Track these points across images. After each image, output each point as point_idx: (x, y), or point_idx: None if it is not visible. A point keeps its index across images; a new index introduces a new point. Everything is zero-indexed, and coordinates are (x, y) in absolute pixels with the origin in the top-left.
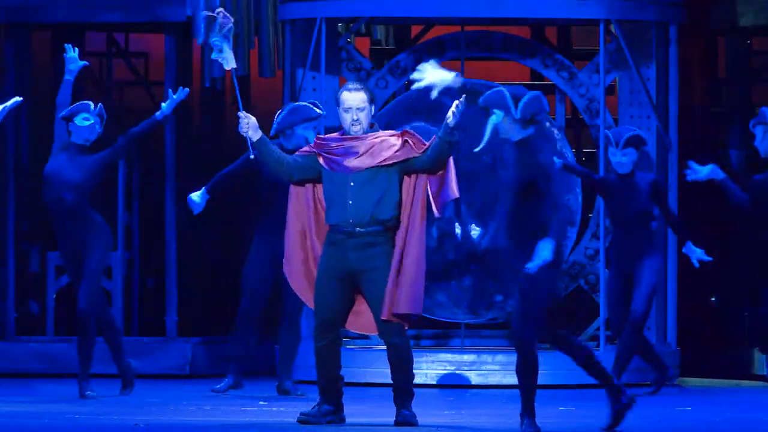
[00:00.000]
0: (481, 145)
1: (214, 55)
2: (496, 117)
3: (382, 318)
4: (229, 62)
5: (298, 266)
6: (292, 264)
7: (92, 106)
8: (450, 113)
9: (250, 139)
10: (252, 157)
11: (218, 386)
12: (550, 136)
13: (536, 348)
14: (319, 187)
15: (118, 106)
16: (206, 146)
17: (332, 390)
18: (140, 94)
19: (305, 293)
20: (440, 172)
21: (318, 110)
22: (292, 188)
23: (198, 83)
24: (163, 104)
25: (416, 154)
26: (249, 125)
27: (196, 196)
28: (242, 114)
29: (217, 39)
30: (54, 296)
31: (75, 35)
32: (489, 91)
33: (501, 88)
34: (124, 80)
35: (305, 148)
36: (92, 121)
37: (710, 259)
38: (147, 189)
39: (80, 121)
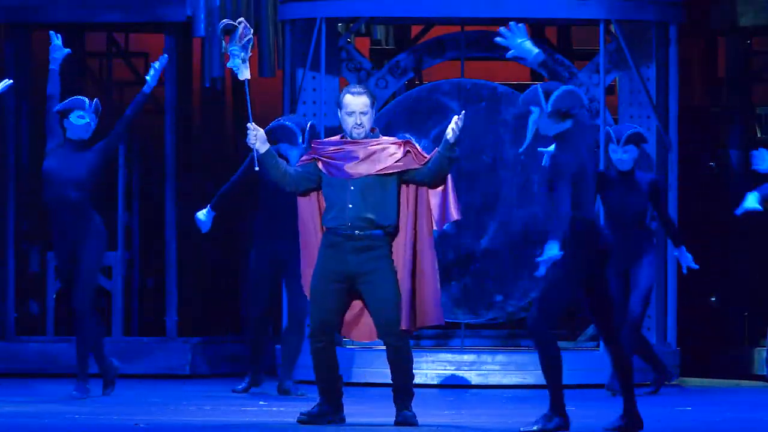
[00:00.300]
0: (524, 146)
1: (230, 64)
2: (533, 114)
3: (402, 329)
4: (244, 73)
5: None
6: (308, 272)
7: (87, 102)
8: (450, 129)
9: (258, 152)
10: (257, 169)
11: (239, 387)
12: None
13: (554, 344)
14: (321, 197)
15: (118, 106)
16: (206, 146)
17: (332, 390)
18: None
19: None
20: (440, 187)
21: (300, 140)
22: (300, 200)
23: (198, 83)
24: (147, 77)
25: (417, 166)
26: (257, 137)
27: (202, 214)
28: (251, 126)
29: (236, 48)
30: (54, 296)
31: (75, 35)
32: (526, 90)
33: (536, 84)
34: (124, 80)
35: (305, 157)
36: (87, 120)
37: (697, 267)
38: (147, 189)
39: (75, 119)
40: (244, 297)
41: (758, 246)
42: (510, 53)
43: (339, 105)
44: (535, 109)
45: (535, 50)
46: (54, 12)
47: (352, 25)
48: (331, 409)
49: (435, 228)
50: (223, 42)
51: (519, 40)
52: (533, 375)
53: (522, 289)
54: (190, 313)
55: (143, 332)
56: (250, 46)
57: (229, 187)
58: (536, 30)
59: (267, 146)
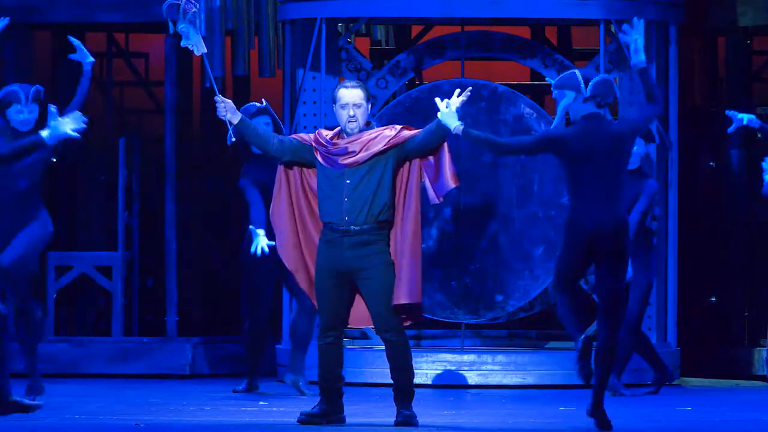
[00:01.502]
0: (554, 125)
1: (183, 43)
2: (566, 99)
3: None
4: (199, 48)
5: (290, 247)
6: (284, 244)
7: (22, 95)
8: (456, 101)
9: (231, 123)
10: (233, 140)
11: (239, 387)
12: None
13: (565, 302)
14: (308, 173)
15: (118, 106)
16: (206, 146)
17: (333, 390)
18: (140, 94)
19: (299, 273)
20: (435, 158)
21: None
22: (281, 171)
23: (198, 83)
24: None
25: (410, 136)
26: (227, 109)
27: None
28: (218, 98)
29: (184, 26)
30: (54, 296)
31: (75, 35)
32: (562, 74)
33: (574, 70)
34: (124, 80)
35: (304, 137)
36: (25, 115)
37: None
38: (147, 189)
39: (14, 114)
40: (243, 300)
41: (758, 246)
42: (625, 38)
43: (333, 100)
44: (570, 93)
45: (643, 56)
46: (54, 12)
47: (352, 25)
48: (331, 409)
49: (435, 199)
50: (171, 25)
51: (636, 36)
52: (533, 375)
53: (522, 289)
54: (190, 313)
55: (143, 332)
56: (196, 20)
57: (257, 205)
58: (536, 30)
59: (239, 116)
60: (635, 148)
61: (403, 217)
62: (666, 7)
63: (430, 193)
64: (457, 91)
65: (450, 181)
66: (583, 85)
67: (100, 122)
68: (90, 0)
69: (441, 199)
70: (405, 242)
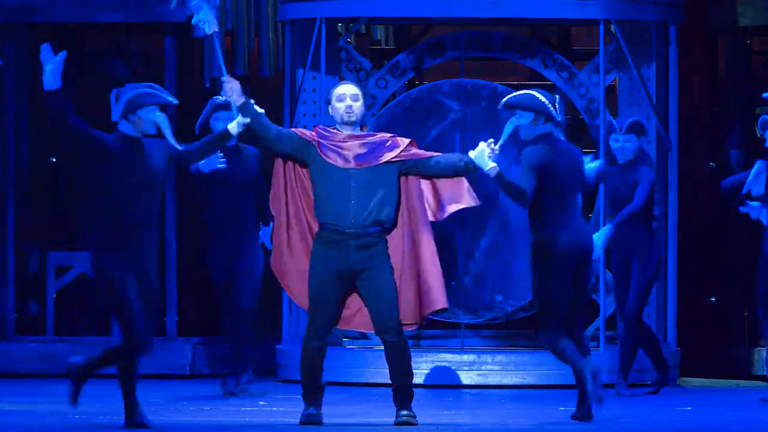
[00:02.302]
0: (499, 143)
1: (194, 20)
2: (522, 119)
3: (408, 322)
4: (211, 25)
5: (286, 251)
6: (282, 251)
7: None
8: (490, 149)
9: (235, 104)
10: (238, 130)
11: (237, 388)
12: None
13: (558, 344)
14: (300, 171)
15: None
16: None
17: (315, 389)
18: None
19: (285, 277)
20: (443, 179)
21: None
22: (279, 164)
23: (198, 83)
24: None
25: (422, 157)
26: (233, 90)
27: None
28: (226, 78)
29: (197, 1)
30: (54, 296)
31: (75, 35)
32: (517, 94)
33: (531, 92)
34: (124, 80)
35: (305, 132)
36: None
37: (602, 251)
38: None
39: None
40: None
41: (758, 245)
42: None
43: (328, 100)
44: (527, 115)
45: None
46: (54, 12)
47: (352, 25)
48: (316, 410)
49: (437, 216)
50: (175, 1)
51: None
52: (533, 375)
53: (522, 289)
54: (190, 313)
55: None
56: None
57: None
58: (536, 30)
59: (244, 98)
60: (627, 144)
61: (416, 228)
62: (666, 7)
63: (429, 211)
64: (491, 140)
65: (471, 200)
66: (550, 108)
67: (100, 122)
68: (90, 0)
69: (442, 217)
70: (426, 255)
